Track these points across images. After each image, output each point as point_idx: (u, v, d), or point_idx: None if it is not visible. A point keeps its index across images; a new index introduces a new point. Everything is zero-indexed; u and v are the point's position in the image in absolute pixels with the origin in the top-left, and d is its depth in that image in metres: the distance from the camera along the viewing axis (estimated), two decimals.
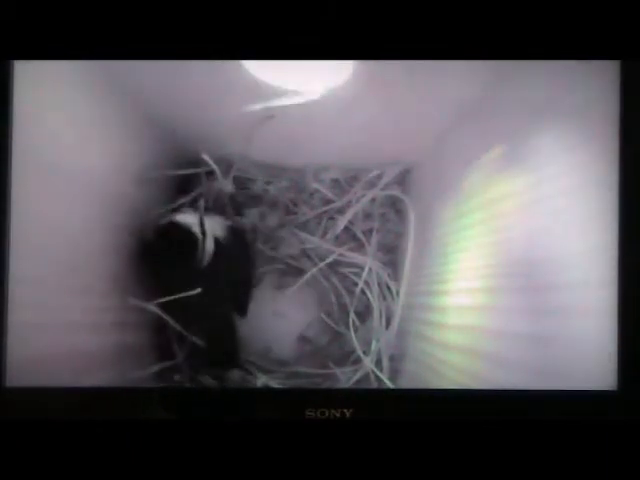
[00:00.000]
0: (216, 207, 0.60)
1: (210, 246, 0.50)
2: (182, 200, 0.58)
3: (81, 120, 0.42)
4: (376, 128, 0.54)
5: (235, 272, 0.57)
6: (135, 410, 0.35)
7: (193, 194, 0.60)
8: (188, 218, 0.48)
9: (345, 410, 0.35)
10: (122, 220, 0.49)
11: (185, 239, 0.48)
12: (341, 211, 0.67)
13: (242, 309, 0.63)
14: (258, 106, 0.50)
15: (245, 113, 0.50)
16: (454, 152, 0.53)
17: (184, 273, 0.50)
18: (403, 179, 0.67)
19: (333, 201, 0.66)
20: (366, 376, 0.60)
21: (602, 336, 0.32)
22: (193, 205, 0.58)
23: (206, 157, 0.56)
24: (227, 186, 0.60)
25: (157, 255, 0.49)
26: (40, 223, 0.36)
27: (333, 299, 0.66)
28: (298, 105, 0.48)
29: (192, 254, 0.48)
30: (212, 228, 0.51)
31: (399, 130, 0.55)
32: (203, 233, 0.48)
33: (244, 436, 0.36)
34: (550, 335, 0.34)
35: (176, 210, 0.51)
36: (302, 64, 0.42)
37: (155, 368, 0.55)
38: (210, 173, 0.60)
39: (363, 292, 0.65)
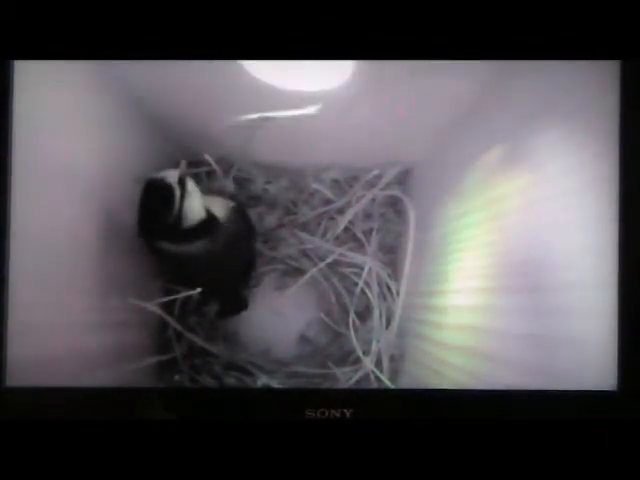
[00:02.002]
0: None
1: (195, 209, 0.49)
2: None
3: (81, 120, 0.42)
4: (376, 128, 0.54)
5: (235, 255, 0.57)
6: (135, 410, 0.35)
7: None
8: (166, 173, 0.48)
9: (345, 410, 0.35)
10: (122, 220, 0.49)
11: (159, 189, 0.47)
12: (341, 211, 0.67)
13: (243, 300, 0.63)
14: (258, 106, 0.50)
15: (245, 113, 0.50)
16: (454, 152, 0.53)
17: (174, 240, 0.50)
18: (403, 179, 0.67)
19: (333, 201, 0.66)
20: (366, 376, 0.60)
21: (602, 336, 0.31)
22: (196, 178, 0.57)
23: (208, 157, 0.56)
24: (228, 186, 0.60)
25: (141, 215, 0.48)
26: (40, 223, 0.36)
27: (333, 299, 0.66)
28: (298, 105, 0.48)
29: (167, 206, 0.47)
30: (201, 197, 0.50)
31: (399, 130, 0.55)
32: (182, 188, 0.48)
33: (244, 436, 0.36)
34: (550, 335, 0.34)
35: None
36: (302, 64, 0.42)
37: (154, 367, 0.56)
38: (210, 173, 0.60)
39: (363, 292, 0.65)
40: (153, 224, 0.49)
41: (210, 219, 0.51)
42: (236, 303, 0.63)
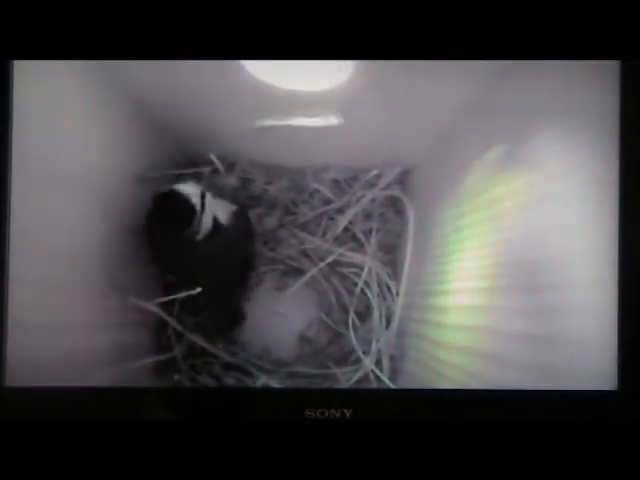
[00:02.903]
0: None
1: (207, 222, 0.50)
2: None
3: (81, 120, 0.42)
4: (376, 128, 0.54)
5: (234, 258, 0.57)
6: (135, 410, 0.35)
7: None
8: (189, 189, 0.48)
9: (345, 410, 0.35)
10: (122, 220, 0.49)
11: (182, 207, 0.48)
12: (341, 211, 0.67)
13: (240, 313, 0.63)
14: (258, 106, 0.50)
15: (245, 113, 0.50)
16: (454, 152, 0.53)
17: (180, 247, 0.50)
18: (403, 179, 0.67)
19: (333, 201, 0.66)
20: (366, 376, 0.60)
21: (602, 336, 0.31)
22: (197, 178, 0.58)
23: (212, 156, 0.57)
24: (230, 185, 0.60)
25: (154, 223, 0.49)
26: (40, 223, 0.36)
27: (333, 299, 0.66)
28: (298, 105, 0.48)
29: (187, 224, 0.48)
30: (213, 207, 0.51)
31: (399, 130, 0.55)
32: (202, 205, 0.49)
33: (244, 436, 0.36)
34: (550, 335, 0.34)
35: (179, 180, 0.51)
36: (302, 64, 0.42)
37: (154, 367, 0.56)
38: (212, 172, 0.60)
39: (363, 292, 0.65)
40: (165, 236, 0.49)
41: (216, 227, 0.51)
42: (234, 316, 0.63)
